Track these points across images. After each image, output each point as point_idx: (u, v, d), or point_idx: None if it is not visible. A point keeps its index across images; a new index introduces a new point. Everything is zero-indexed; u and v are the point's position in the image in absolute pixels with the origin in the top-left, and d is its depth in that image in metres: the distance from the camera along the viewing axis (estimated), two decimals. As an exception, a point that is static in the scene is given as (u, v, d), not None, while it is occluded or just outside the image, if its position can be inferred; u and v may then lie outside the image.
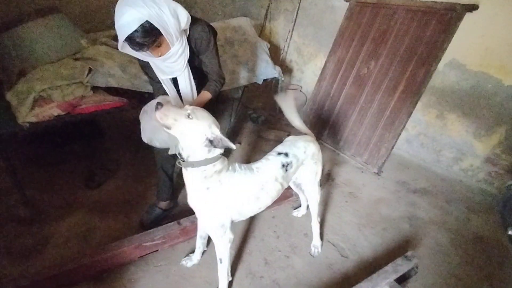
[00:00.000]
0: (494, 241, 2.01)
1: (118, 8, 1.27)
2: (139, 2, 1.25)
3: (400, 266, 1.59)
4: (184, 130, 1.18)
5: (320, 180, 2.32)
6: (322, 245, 1.89)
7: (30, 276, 1.51)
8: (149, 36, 1.30)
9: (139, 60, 1.60)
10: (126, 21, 1.24)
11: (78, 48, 2.22)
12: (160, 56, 1.43)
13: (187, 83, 1.60)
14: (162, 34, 1.33)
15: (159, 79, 1.61)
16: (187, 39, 1.52)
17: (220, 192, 1.31)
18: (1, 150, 1.86)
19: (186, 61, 1.54)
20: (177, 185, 2.18)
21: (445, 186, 2.54)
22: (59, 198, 2.21)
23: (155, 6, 1.28)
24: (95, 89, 2.07)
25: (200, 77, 1.69)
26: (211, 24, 1.70)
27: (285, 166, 1.48)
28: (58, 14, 2.23)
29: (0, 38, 2.06)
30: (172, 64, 1.50)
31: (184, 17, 1.42)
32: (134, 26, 1.25)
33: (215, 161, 1.26)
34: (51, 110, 1.89)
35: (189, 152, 1.23)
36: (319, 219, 1.86)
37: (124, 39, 1.29)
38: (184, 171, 1.30)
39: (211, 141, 1.20)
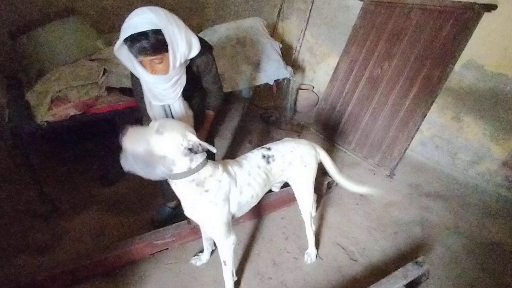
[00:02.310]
0: (510, 248, 1.95)
1: (135, 11, 1.22)
2: (160, 12, 1.22)
3: (410, 272, 1.57)
4: (159, 147, 1.14)
5: (331, 183, 2.32)
6: (317, 254, 1.85)
7: (46, 270, 1.56)
8: (156, 45, 1.23)
9: (132, 77, 1.51)
10: (139, 21, 1.19)
11: (94, 49, 2.27)
12: (152, 74, 1.33)
13: (181, 110, 1.53)
14: (167, 52, 1.27)
15: (148, 104, 1.52)
16: (189, 63, 1.48)
17: (220, 190, 1.33)
18: (21, 148, 1.93)
19: (181, 90, 1.47)
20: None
21: (459, 190, 2.48)
22: (75, 195, 2.28)
23: (174, 25, 1.25)
24: (109, 89, 2.12)
25: (200, 94, 1.70)
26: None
27: (265, 157, 1.52)
28: (75, 16, 2.30)
29: (21, 40, 2.14)
30: (166, 91, 1.43)
31: (196, 49, 1.38)
32: (146, 27, 1.18)
33: (200, 169, 1.25)
34: (68, 110, 1.94)
35: (171, 166, 1.20)
36: (313, 227, 1.83)
37: (126, 37, 1.19)
38: (172, 184, 1.29)
39: (190, 149, 1.17)
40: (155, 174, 1.15)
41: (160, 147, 1.14)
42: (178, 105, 1.51)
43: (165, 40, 1.24)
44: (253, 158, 1.52)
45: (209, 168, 1.29)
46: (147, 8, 1.21)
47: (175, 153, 1.17)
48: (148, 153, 1.13)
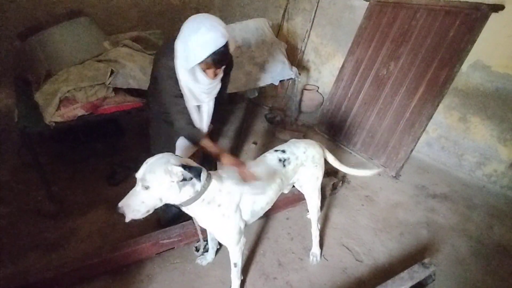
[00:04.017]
0: (518, 251, 1.93)
1: (201, 22, 1.28)
2: (223, 23, 1.32)
3: (416, 273, 1.56)
4: (157, 198, 1.15)
5: (336, 183, 2.33)
6: (321, 253, 1.86)
7: (54, 268, 1.58)
8: (229, 56, 1.36)
9: (166, 80, 1.46)
10: (215, 36, 1.26)
11: (101, 50, 2.30)
12: (215, 78, 1.43)
13: (210, 109, 1.58)
14: None
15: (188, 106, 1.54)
16: None
17: (231, 202, 1.32)
18: (29, 148, 1.96)
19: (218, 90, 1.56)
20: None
21: (466, 192, 2.46)
22: (82, 194, 2.31)
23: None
24: (116, 90, 2.14)
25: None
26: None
27: (282, 161, 1.50)
28: (83, 18, 2.32)
29: (29, 41, 2.17)
30: (209, 90, 1.49)
31: (233, 47, 1.46)
32: (224, 40, 1.28)
33: (207, 187, 1.24)
34: (76, 111, 1.97)
35: (177, 201, 1.21)
36: (319, 226, 1.83)
37: (211, 53, 1.27)
38: (185, 209, 1.28)
39: (183, 180, 1.14)
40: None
41: (156, 196, 1.15)
42: (210, 104, 1.57)
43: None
44: (269, 163, 1.48)
45: (215, 183, 1.27)
46: (214, 21, 1.29)
47: (173, 191, 1.16)
48: (152, 203, 1.15)
